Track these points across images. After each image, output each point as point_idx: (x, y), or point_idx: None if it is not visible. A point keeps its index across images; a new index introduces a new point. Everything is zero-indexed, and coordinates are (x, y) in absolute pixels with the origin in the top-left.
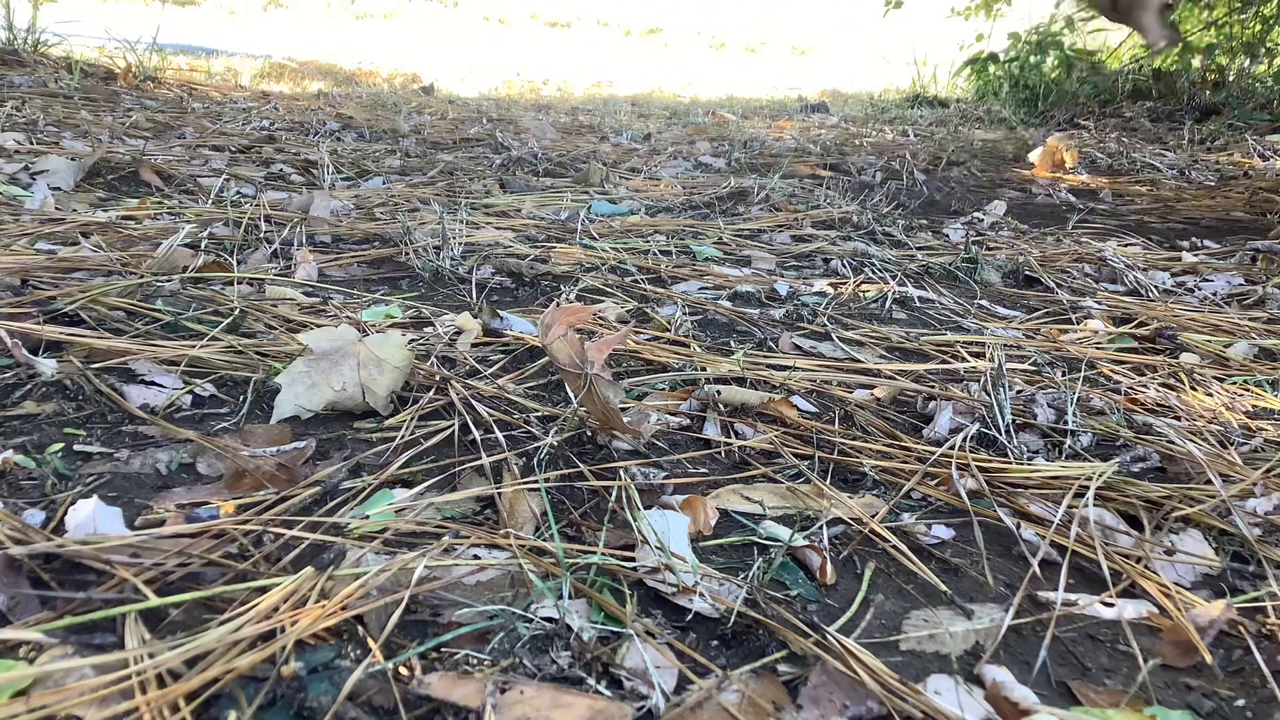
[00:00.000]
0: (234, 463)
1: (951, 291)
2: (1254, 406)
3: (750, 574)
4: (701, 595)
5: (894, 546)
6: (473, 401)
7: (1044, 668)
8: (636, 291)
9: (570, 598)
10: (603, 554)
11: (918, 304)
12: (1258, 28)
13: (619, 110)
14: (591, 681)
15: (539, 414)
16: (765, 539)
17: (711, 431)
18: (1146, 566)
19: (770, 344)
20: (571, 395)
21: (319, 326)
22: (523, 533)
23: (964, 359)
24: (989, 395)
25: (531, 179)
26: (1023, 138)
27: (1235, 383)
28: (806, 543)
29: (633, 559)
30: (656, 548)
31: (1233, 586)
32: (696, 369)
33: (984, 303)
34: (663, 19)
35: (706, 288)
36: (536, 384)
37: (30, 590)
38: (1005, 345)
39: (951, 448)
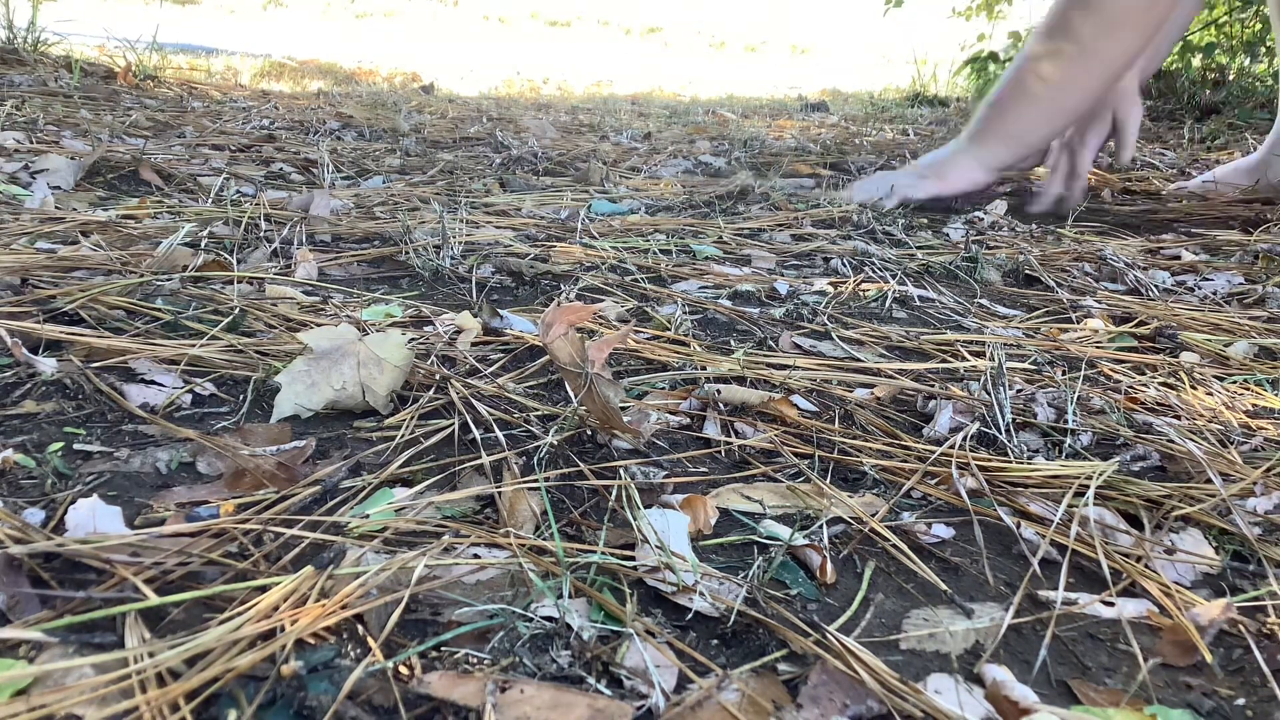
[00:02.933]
0: (234, 462)
1: (951, 290)
2: (1254, 405)
3: (750, 573)
4: (701, 594)
5: (894, 545)
6: (473, 400)
7: (1044, 667)
8: (636, 290)
9: (570, 597)
10: (603, 553)
11: (918, 303)
12: (1258, 27)
13: (619, 109)
14: (591, 680)
15: (539, 413)
16: (765, 538)
17: (711, 430)
18: (1146, 565)
19: (770, 343)
20: (572, 394)
21: (319, 325)
22: (523, 532)
23: (964, 358)
24: (989, 394)
25: (531, 178)
26: None
27: (1235, 381)
28: (806, 542)
29: (633, 558)
30: (656, 547)
31: (1233, 585)
32: (696, 368)
33: (984, 301)
34: (663, 18)
35: (706, 287)
36: (536, 383)
37: (30, 589)
38: (1005, 344)
39: (952, 447)
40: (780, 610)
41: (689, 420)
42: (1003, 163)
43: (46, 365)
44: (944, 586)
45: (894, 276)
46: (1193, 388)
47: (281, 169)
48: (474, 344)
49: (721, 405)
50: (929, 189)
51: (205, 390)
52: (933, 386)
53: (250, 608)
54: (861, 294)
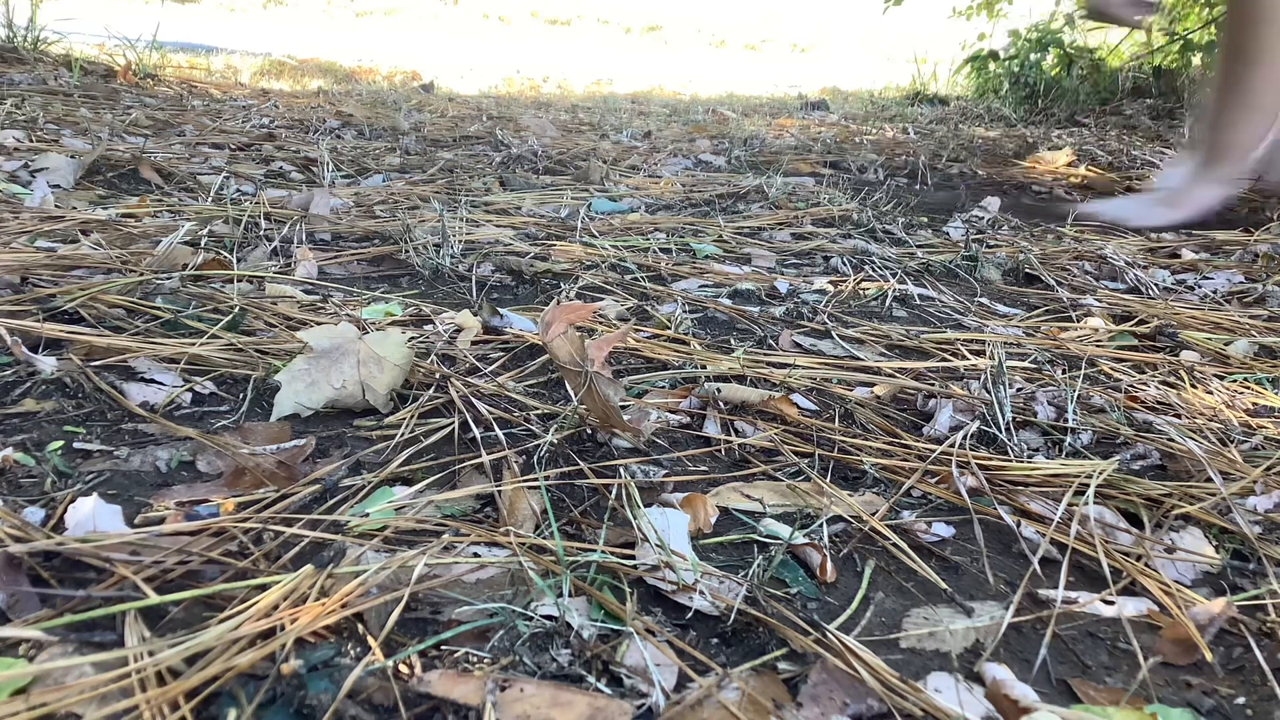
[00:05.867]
0: (234, 460)
1: (952, 289)
2: (1254, 404)
3: (750, 572)
4: (701, 593)
5: (894, 544)
6: (472, 399)
7: (1044, 665)
8: (636, 289)
9: (570, 595)
10: (603, 552)
11: (918, 302)
12: None
13: (619, 108)
14: (591, 679)
15: (539, 412)
16: (765, 537)
17: (711, 429)
18: (1146, 564)
19: (770, 342)
20: (571, 393)
21: (319, 324)
22: (523, 530)
23: (964, 357)
24: (989, 393)
25: (531, 177)
26: (1023, 135)
27: (1235, 380)
28: (806, 540)
29: (633, 557)
30: (656, 545)
31: (1233, 584)
32: (696, 367)
33: (984, 300)
34: (663, 16)
35: (707, 285)
36: (536, 382)
37: (30, 588)
38: (1005, 343)
39: (952, 445)
40: (780, 609)
41: (689, 419)
42: (1235, 175)
43: (46, 364)
44: (944, 585)
45: (894, 275)
46: (1193, 386)
47: (281, 167)
48: (474, 343)
49: (721, 404)
50: (1169, 216)
51: (205, 389)
52: (933, 385)
53: (250, 606)
54: (861, 293)
